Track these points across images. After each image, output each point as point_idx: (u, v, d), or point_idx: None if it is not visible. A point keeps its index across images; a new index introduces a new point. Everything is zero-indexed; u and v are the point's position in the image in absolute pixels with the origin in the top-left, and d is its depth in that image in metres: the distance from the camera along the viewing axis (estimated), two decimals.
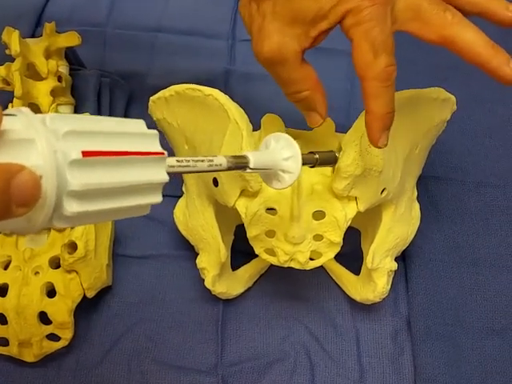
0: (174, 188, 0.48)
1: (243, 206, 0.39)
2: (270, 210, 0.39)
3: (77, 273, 0.44)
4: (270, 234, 0.40)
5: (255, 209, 0.39)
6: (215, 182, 0.40)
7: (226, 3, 0.66)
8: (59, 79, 0.49)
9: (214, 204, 0.43)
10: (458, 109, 0.45)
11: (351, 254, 0.50)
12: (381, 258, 0.43)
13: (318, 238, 0.40)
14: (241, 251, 0.49)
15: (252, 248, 0.50)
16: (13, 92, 0.47)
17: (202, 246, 0.45)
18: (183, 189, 0.46)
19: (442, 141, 0.48)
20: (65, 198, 0.21)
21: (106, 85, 0.53)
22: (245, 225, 0.40)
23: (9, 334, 0.43)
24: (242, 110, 0.39)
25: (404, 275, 0.51)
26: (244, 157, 0.29)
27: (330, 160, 0.36)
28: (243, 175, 0.37)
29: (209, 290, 0.46)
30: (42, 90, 0.48)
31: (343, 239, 0.50)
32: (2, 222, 0.20)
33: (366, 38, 0.30)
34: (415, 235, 0.47)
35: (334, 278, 0.50)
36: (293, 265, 0.41)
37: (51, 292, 0.44)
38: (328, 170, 0.39)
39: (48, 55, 0.49)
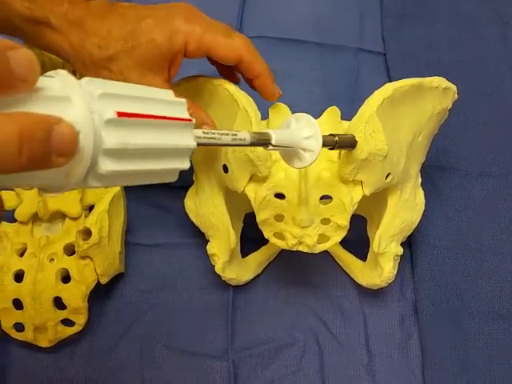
0: (183, 179, 0.50)
1: (252, 191, 0.41)
2: (279, 196, 0.40)
3: (91, 259, 0.45)
4: (279, 218, 0.41)
5: (264, 193, 0.40)
6: (225, 169, 0.41)
7: None
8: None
9: (223, 191, 0.44)
10: (460, 102, 0.46)
11: (357, 241, 0.51)
12: (387, 242, 0.44)
13: (325, 221, 0.41)
14: (250, 239, 0.50)
15: (261, 235, 0.51)
16: None
17: (212, 233, 0.46)
18: (193, 178, 0.47)
19: (445, 132, 0.49)
20: (100, 157, 0.22)
21: None
22: (254, 209, 0.41)
23: (24, 318, 0.44)
24: (250, 98, 0.40)
25: (410, 261, 0.52)
26: (266, 134, 0.30)
27: (349, 143, 0.36)
28: (252, 160, 0.38)
29: (219, 276, 0.47)
30: None
31: (349, 227, 0.52)
32: (41, 173, 0.21)
33: None
34: (420, 222, 0.48)
35: (341, 264, 0.51)
36: (301, 248, 0.42)
37: (66, 278, 0.45)
38: (334, 156, 0.40)
39: None
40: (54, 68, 0.22)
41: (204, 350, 0.48)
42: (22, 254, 0.46)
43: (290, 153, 0.33)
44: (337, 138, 0.35)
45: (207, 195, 0.45)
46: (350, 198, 0.40)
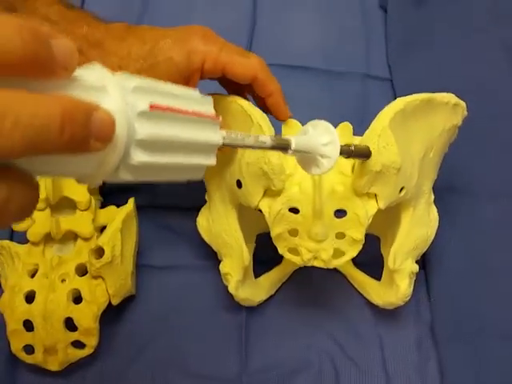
0: (194, 201, 0.50)
1: (266, 206, 0.40)
2: (293, 211, 0.40)
3: (103, 279, 0.45)
4: (293, 233, 0.41)
5: (278, 207, 0.40)
6: (239, 184, 0.41)
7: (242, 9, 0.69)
8: None
9: (236, 209, 0.44)
10: (469, 123, 0.46)
11: (371, 263, 0.50)
12: (402, 259, 0.43)
13: (340, 236, 0.41)
14: (262, 260, 0.50)
15: (273, 256, 0.51)
16: None
17: (225, 252, 0.46)
18: (206, 197, 0.47)
19: (455, 153, 0.50)
20: (132, 147, 0.22)
21: None
22: (268, 224, 0.41)
23: (35, 340, 0.43)
24: (264, 114, 0.40)
25: (425, 283, 0.51)
26: (286, 139, 0.31)
27: (364, 153, 0.37)
28: (267, 173, 0.39)
29: (232, 298, 0.47)
30: None
31: (362, 248, 0.51)
32: (78, 160, 0.21)
33: None
34: (434, 243, 0.47)
35: (355, 285, 0.50)
36: (316, 263, 0.41)
37: (77, 299, 0.45)
38: (348, 170, 0.40)
39: None
40: None
41: (217, 374, 0.47)
42: (33, 275, 0.45)
43: (307, 159, 0.33)
44: (352, 148, 0.35)
45: (220, 213, 0.45)
46: (364, 212, 0.39)
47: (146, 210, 0.53)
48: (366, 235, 0.48)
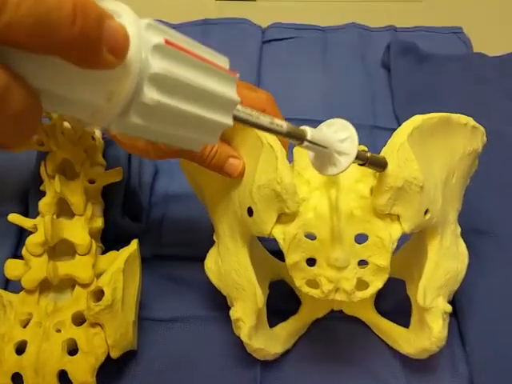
0: (198, 250, 0.47)
1: (280, 233, 0.37)
2: (309, 238, 0.37)
3: (101, 327, 0.40)
4: (311, 263, 0.38)
5: (294, 232, 0.37)
6: (250, 212, 0.38)
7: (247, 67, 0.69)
8: (92, 138, 0.50)
9: (248, 246, 0.41)
10: (486, 167, 0.45)
11: (395, 311, 0.46)
12: (433, 296, 0.39)
13: (363, 264, 0.37)
14: (277, 311, 0.45)
15: (289, 305, 0.47)
16: (46, 153, 0.48)
17: (237, 295, 0.42)
18: (214, 237, 0.44)
19: (476, 195, 0.47)
20: (145, 83, 0.21)
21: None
22: (284, 251, 0.37)
23: None
24: (274, 136, 0.39)
25: (458, 332, 0.46)
26: (302, 129, 0.29)
27: (380, 162, 0.34)
28: (280, 194, 0.36)
29: (244, 351, 0.42)
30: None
31: (384, 297, 0.47)
32: (86, 83, 0.19)
33: None
34: (463, 287, 0.44)
35: (381, 335, 0.46)
36: (338, 296, 0.37)
37: (73, 352, 0.40)
38: (366, 191, 0.38)
39: None
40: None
41: None
42: (26, 326, 0.41)
43: (323, 157, 0.31)
44: (369, 155, 0.33)
45: (230, 251, 0.42)
46: (388, 234, 0.36)
47: (148, 262, 0.50)
48: (389, 280, 0.44)
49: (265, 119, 0.27)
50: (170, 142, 0.24)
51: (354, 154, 0.30)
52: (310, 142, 0.29)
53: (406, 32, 0.76)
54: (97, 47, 0.19)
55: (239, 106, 0.26)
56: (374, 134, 0.63)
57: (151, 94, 0.21)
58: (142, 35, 0.20)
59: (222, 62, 0.25)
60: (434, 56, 0.70)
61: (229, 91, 0.25)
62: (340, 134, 0.30)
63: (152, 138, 0.23)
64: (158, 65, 0.21)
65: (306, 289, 0.38)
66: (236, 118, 0.26)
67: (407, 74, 0.69)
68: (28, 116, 0.19)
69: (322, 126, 0.32)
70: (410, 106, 0.65)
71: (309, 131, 0.29)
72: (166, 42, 0.21)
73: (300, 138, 0.29)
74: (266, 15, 0.79)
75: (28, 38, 0.17)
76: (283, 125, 0.28)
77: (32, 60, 0.18)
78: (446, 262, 0.40)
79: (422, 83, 0.68)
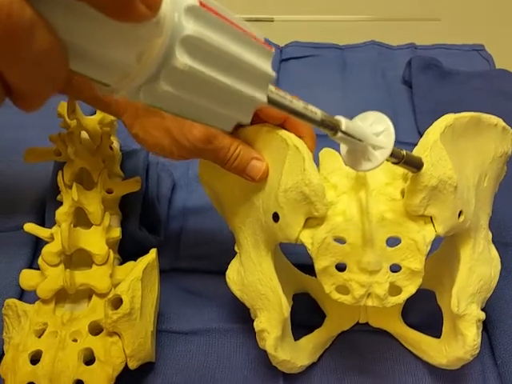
0: (219, 264, 0.45)
1: (308, 237, 0.36)
2: (338, 242, 0.36)
3: (119, 337, 0.39)
4: (341, 268, 0.36)
5: (323, 236, 0.35)
6: (275, 218, 0.37)
7: None
8: (110, 147, 0.49)
9: (272, 254, 0.39)
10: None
11: (424, 323, 0.44)
12: (466, 302, 0.37)
13: (395, 268, 0.35)
14: (301, 324, 0.44)
15: (313, 318, 0.45)
16: (63, 164, 0.47)
17: (261, 305, 0.40)
18: (236, 248, 0.43)
19: (503, 204, 0.46)
20: (177, 46, 0.19)
21: (153, 164, 0.53)
22: (312, 257, 0.36)
23: None
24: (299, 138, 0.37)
25: (488, 344, 0.44)
26: (336, 119, 0.28)
27: (415, 162, 0.33)
28: (308, 197, 0.34)
29: (266, 365, 0.40)
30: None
31: (411, 309, 0.45)
32: (116, 37, 0.18)
33: None
34: (493, 299, 0.42)
35: (410, 347, 0.43)
36: (370, 302, 0.35)
37: (90, 363, 0.38)
38: (397, 194, 0.36)
39: (101, 127, 0.49)
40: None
41: None
42: (41, 336, 0.40)
43: (356, 152, 0.29)
44: (404, 153, 0.31)
45: (253, 261, 0.40)
46: (422, 236, 0.34)
47: (166, 274, 0.49)
48: (416, 292, 0.43)
49: (298, 103, 0.26)
50: (199, 117, 0.22)
51: (391, 148, 0.28)
52: (344, 132, 0.27)
53: (426, 50, 0.76)
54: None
55: (272, 87, 0.24)
56: None
57: (183, 59, 0.20)
58: None
59: (259, 35, 0.23)
60: (457, 72, 0.69)
61: (264, 64, 0.23)
62: (376, 126, 0.29)
63: (181, 111, 0.21)
64: (191, 27, 0.20)
65: (335, 295, 0.36)
66: (269, 100, 0.24)
67: (430, 89, 0.68)
68: (52, 62, 0.18)
69: (356, 119, 0.30)
70: (432, 119, 0.64)
71: (343, 121, 0.28)
72: (201, 3, 0.20)
73: (334, 128, 0.27)
74: (283, 34, 0.79)
75: None
76: (317, 112, 0.26)
77: (60, 4, 0.17)
78: (479, 268, 0.39)
79: (445, 98, 0.68)
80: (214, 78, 0.21)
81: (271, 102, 0.25)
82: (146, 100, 0.20)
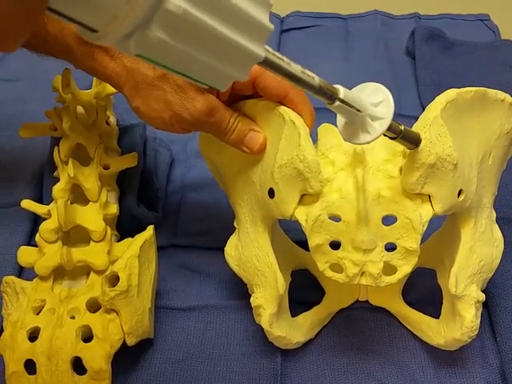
0: (217, 240, 0.45)
1: (303, 214, 0.35)
2: (333, 219, 0.35)
3: (117, 314, 0.39)
4: (335, 247, 0.36)
5: (317, 213, 0.35)
6: (271, 193, 0.37)
7: None
8: (107, 123, 0.49)
9: (269, 230, 0.39)
10: None
11: (423, 301, 0.44)
12: (465, 283, 0.37)
13: (391, 247, 0.35)
14: (299, 301, 0.44)
15: (311, 295, 0.45)
16: (59, 139, 0.47)
17: (257, 281, 0.40)
18: (234, 223, 0.42)
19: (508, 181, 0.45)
20: None
21: (151, 139, 0.53)
22: (306, 234, 0.35)
23: None
24: (297, 113, 0.37)
25: (489, 322, 0.44)
26: (335, 86, 0.27)
27: (413, 138, 0.32)
28: (302, 173, 0.34)
29: (263, 342, 0.40)
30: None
31: (412, 287, 0.45)
32: None
33: None
34: (495, 276, 0.41)
35: (408, 325, 0.43)
36: (364, 281, 0.35)
37: (88, 340, 0.39)
38: (395, 171, 0.35)
39: (97, 101, 0.49)
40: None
41: None
42: (39, 313, 0.40)
43: (354, 124, 0.29)
44: (402, 127, 0.30)
45: (251, 236, 0.40)
46: (418, 215, 0.34)
47: (165, 250, 0.49)
48: (417, 270, 0.42)
49: (296, 67, 0.25)
50: (193, 72, 0.21)
51: (390, 118, 0.27)
52: (342, 101, 0.27)
53: (431, 20, 0.74)
54: None
55: (270, 48, 0.23)
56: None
57: (177, 0, 0.18)
58: None
59: None
60: (461, 43, 0.68)
61: (262, 17, 0.22)
62: (374, 97, 0.28)
63: (174, 64, 0.20)
64: None
65: (329, 273, 0.36)
66: (266, 61, 0.23)
67: (433, 61, 0.67)
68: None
69: (354, 90, 0.30)
70: (436, 92, 0.62)
71: (342, 90, 0.27)
72: None
73: (331, 97, 0.26)
74: (284, 4, 0.77)
75: None
76: (315, 77, 0.25)
77: None
78: (480, 248, 0.38)
79: (448, 70, 0.66)
80: (209, 25, 0.20)
81: (268, 63, 0.24)
82: (136, 49, 0.19)
